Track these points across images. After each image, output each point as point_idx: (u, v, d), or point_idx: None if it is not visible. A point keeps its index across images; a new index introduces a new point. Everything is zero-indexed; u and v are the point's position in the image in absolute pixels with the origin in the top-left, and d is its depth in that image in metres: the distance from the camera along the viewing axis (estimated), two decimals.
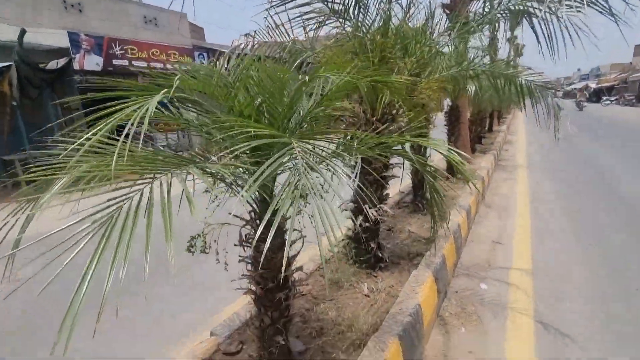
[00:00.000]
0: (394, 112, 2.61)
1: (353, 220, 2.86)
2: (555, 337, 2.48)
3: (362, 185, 2.75)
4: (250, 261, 1.67)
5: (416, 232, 3.70)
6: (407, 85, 2.35)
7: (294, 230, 1.72)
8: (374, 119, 2.50)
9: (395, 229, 3.74)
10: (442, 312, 2.80)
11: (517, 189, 6.46)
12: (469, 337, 2.51)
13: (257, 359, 1.90)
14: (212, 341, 2.09)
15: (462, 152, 1.80)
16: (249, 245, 1.66)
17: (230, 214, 1.50)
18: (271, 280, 1.63)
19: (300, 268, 1.77)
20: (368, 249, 2.81)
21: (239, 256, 1.63)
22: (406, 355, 2.01)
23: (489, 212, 5.37)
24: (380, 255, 2.83)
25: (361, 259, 2.86)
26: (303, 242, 1.75)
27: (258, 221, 1.62)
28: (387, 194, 2.90)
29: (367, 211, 2.69)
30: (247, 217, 1.64)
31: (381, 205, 2.77)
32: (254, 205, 1.60)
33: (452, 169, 5.25)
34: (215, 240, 1.54)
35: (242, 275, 1.67)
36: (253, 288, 1.71)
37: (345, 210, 2.94)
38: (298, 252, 1.76)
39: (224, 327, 2.16)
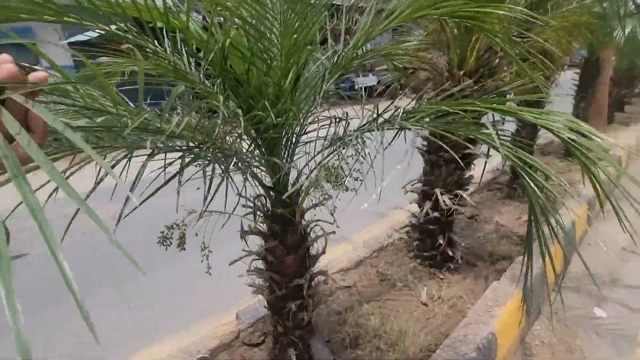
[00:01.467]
0: (494, 63, 1.82)
1: (419, 206, 2.27)
2: None
3: (432, 163, 2.11)
4: (259, 257, 1.31)
5: (507, 224, 2.88)
6: (515, 22, 1.55)
7: (317, 223, 1.29)
8: (461, 72, 1.77)
9: (479, 218, 2.98)
10: (530, 338, 2.11)
11: None
12: None
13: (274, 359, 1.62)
14: (235, 326, 1.89)
15: (586, 126, 1.02)
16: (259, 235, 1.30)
17: (239, 199, 1.13)
18: (279, 287, 1.26)
19: (323, 273, 1.35)
20: (435, 244, 2.22)
21: (242, 250, 1.29)
22: None
23: (621, 207, 4.01)
24: (451, 253, 2.21)
25: (425, 254, 2.29)
26: (326, 242, 1.31)
27: (266, 212, 1.22)
28: (470, 177, 2.19)
29: (439, 197, 2.07)
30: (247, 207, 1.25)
31: (459, 191, 2.10)
32: (261, 190, 1.19)
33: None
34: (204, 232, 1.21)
35: (249, 270, 1.33)
36: (262, 284, 1.38)
37: (412, 192, 2.35)
38: (319, 254, 1.34)
39: (249, 312, 1.94)
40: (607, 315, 2.30)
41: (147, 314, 2.36)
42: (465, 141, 2.01)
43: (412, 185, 2.31)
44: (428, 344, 1.72)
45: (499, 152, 0.92)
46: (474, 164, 2.15)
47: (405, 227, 2.49)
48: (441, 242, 2.17)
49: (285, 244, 1.22)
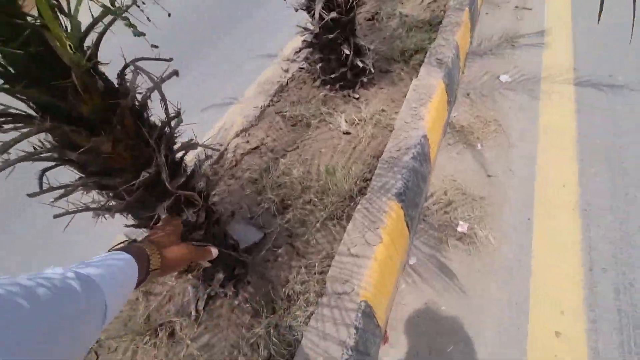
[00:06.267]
0: None
1: (309, 13, 1.65)
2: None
3: None
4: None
5: (412, 13, 2.46)
6: None
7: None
8: None
9: (380, 15, 2.48)
10: (450, 127, 2.03)
11: None
12: (487, 155, 1.84)
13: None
14: None
15: None
16: None
17: None
18: (119, 194, 0.73)
19: (189, 144, 0.83)
20: (341, 58, 1.74)
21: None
22: (412, 224, 1.37)
23: None
24: (361, 64, 1.78)
25: (332, 76, 1.83)
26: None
27: None
28: None
29: None
30: None
31: None
32: None
33: None
34: None
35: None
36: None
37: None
38: (170, 121, 0.77)
39: None
40: (512, 79, 2.29)
41: None
42: None
43: None
44: (361, 173, 1.47)
45: None
46: None
47: (300, 50, 1.91)
48: (347, 52, 1.69)
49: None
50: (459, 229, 1.49)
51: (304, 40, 1.83)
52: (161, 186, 0.78)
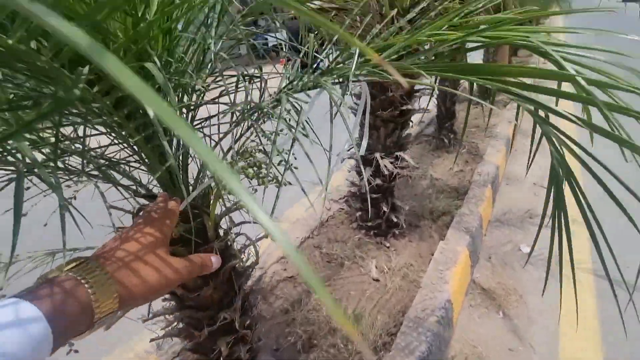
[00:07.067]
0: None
1: (358, 174, 2.04)
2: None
3: (369, 125, 1.85)
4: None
5: (441, 177, 2.88)
6: None
7: (239, 229, 0.93)
8: (394, 12, 1.46)
9: (413, 175, 2.91)
10: (472, 287, 2.14)
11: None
12: (508, 325, 1.88)
13: None
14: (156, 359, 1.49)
15: None
16: None
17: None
18: (199, 327, 0.90)
19: (258, 292, 1.02)
20: (379, 212, 2.04)
21: None
22: None
23: (526, 142, 4.42)
24: (395, 219, 2.07)
25: (369, 224, 2.11)
26: (257, 251, 0.96)
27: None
28: (409, 135, 2.00)
29: (380, 162, 1.84)
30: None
31: (400, 153, 1.90)
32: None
33: (486, 90, 4.13)
34: None
35: (151, 316, 0.92)
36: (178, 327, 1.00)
37: (348, 158, 2.10)
38: (251, 267, 1.00)
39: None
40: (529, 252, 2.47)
41: None
42: (403, 96, 1.78)
43: (348, 150, 2.05)
44: (387, 326, 1.57)
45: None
46: (411, 121, 1.95)
47: (344, 197, 2.26)
48: (385, 209, 2.00)
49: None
50: None
51: (350, 191, 2.19)
52: (229, 324, 0.94)
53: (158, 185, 0.76)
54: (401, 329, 1.49)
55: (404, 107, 1.77)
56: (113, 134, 0.66)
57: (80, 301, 0.31)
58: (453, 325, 1.69)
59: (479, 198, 2.33)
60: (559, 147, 0.59)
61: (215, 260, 0.50)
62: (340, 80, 0.65)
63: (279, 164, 0.71)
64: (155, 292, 0.38)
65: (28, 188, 0.55)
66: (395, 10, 1.49)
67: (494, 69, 0.58)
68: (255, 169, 0.70)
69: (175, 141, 0.73)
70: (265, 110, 0.60)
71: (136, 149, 0.64)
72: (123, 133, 0.59)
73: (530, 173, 3.35)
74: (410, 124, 1.94)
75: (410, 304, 1.61)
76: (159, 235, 0.41)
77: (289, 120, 0.60)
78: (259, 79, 0.68)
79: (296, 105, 0.59)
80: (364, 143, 0.75)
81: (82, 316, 0.31)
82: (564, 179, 0.58)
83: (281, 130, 0.72)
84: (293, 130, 0.57)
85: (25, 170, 0.49)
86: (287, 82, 0.67)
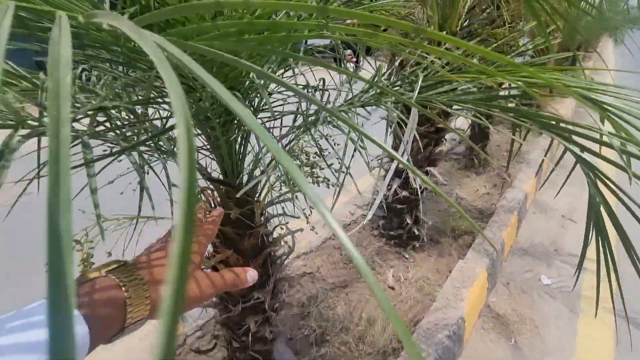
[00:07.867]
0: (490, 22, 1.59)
1: (387, 186, 2.10)
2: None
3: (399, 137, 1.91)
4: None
5: (466, 197, 2.88)
6: None
7: (281, 221, 1.03)
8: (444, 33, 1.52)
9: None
10: (487, 311, 2.14)
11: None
12: (518, 354, 1.88)
13: None
14: (180, 329, 1.61)
15: None
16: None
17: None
18: (234, 303, 1.00)
19: (289, 279, 1.11)
20: (402, 223, 2.09)
21: None
22: None
23: (558, 173, 4.31)
24: (417, 232, 2.11)
25: (391, 233, 2.16)
26: (293, 241, 1.06)
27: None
28: (441, 152, 2.05)
29: (410, 176, 1.90)
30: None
31: (430, 168, 1.95)
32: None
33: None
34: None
35: None
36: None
37: (379, 167, 2.16)
38: (285, 256, 1.09)
39: (195, 311, 1.66)
40: (552, 282, 2.44)
41: None
42: (440, 114, 1.83)
43: (379, 161, 2.11)
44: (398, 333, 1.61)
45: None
46: (445, 139, 2.00)
47: (369, 204, 2.32)
48: (408, 221, 2.05)
49: (241, 251, 0.94)
50: None
51: (375, 199, 2.25)
52: (259, 304, 1.04)
53: (218, 171, 0.87)
54: (412, 337, 1.53)
55: (440, 125, 1.82)
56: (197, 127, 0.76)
57: (117, 304, 0.32)
58: (463, 343, 1.71)
59: (503, 223, 2.32)
60: (597, 185, 0.64)
61: (251, 275, 0.46)
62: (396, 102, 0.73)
63: (328, 167, 0.80)
64: (190, 302, 0.39)
65: (120, 160, 0.67)
66: (445, 32, 1.55)
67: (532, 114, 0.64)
68: (308, 168, 0.79)
69: (239, 137, 0.83)
70: (328, 119, 0.69)
71: (211, 138, 0.75)
72: (208, 129, 0.70)
73: (558, 205, 3.28)
74: (444, 141, 1.98)
75: (423, 315, 1.66)
76: (195, 248, 0.41)
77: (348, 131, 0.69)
78: (324, 89, 0.77)
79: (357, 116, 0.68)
80: (405, 157, 0.82)
81: (116, 320, 0.32)
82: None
83: (330, 136, 0.81)
84: (350, 141, 0.65)
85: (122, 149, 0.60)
86: (352, 95, 0.75)
